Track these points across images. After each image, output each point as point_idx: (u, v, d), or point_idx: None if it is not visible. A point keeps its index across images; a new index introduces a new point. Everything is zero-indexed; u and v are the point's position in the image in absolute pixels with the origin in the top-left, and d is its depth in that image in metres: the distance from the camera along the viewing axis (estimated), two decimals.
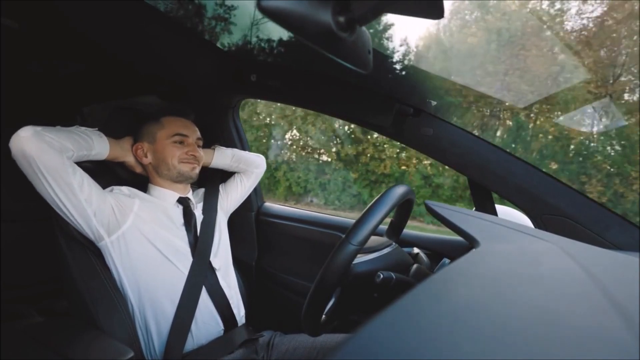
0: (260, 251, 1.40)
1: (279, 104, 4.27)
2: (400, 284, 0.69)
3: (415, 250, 0.94)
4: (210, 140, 1.13)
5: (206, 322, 0.92)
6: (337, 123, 4.74)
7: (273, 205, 1.43)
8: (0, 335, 0.76)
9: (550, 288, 0.33)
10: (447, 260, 0.89)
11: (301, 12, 0.30)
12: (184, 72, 1.10)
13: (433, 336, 0.24)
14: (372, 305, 0.76)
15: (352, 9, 0.32)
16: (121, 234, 0.87)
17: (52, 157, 0.74)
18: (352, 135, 4.73)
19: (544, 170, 0.86)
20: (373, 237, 0.79)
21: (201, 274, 0.93)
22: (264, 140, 5.14)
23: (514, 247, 0.46)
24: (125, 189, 0.95)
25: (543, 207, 0.85)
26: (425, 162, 4.43)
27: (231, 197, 1.17)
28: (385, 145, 4.60)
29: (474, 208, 0.99)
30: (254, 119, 5.11)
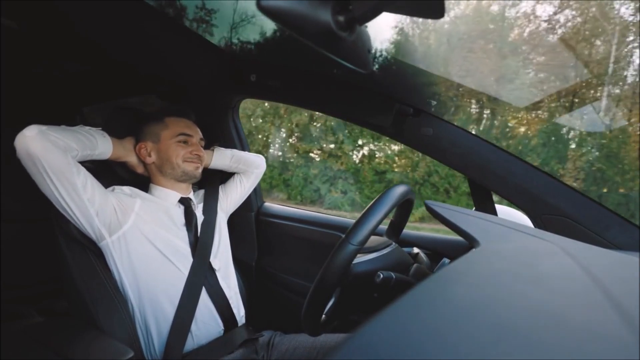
0: (260, 251, 1.40)
1: (249, 104, 4.51)
2: (400, 283, 0.69)
3: (415, 250, 0.94)
4: (210, 140, 1.13)
5: (206, 322, 0.92)
6: (297, 121, 5.09)
7: (273, 205, 1.43)
8: (0, 335, 0.76)
9: (550, 288, 0.32)
10: (447, 260, 0.89)
11: (301, 11, 0.30)
12: (184, 72, 1.10)
13: (433, 336, 0.24)
14: (372, 305, 0.76)
15: (352, 9, 0.32)
16: (122, 234, 0.87)
17: (56, 156, 0.74)
18: (312, 135, 5.16)
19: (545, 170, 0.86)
20: (373, 237, 0.79)
21: (201, 275, 0.93)
22: None
23: (514, 247, 0.46)
24: (126, 188, 0.95)
25: (543, 207, 0.85)
26: (378, 158, 4.87)
27: (231, 197, 1.17)
28: (342, 144, 4.99)
29: (474, 208, 0.99)
30: None
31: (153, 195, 0.99)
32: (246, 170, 1.19)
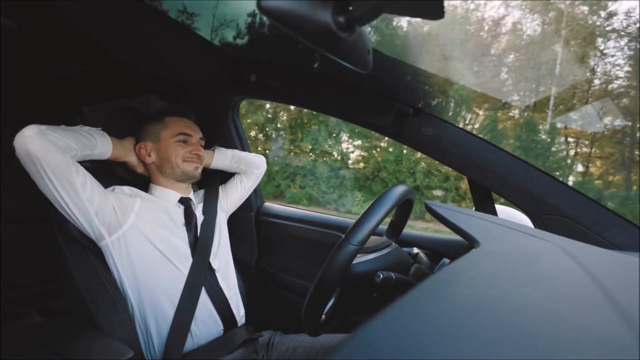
0: (260, 251, 1.40)
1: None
2: (400, 284, 0.69)
3: (415, 250, 0.94)
4: (210, 140, 1.13)
5: (206, 322, 0.92)
6: (254, 120, 5.47)
7: (273, 205, 1.43)
8: (0, 335, 0.76)
9: (550, 288, 0.33)
10: (447, 260, 0.89)
11: (301, 12, 0.30)
12: (184, 72, 1.10)
13: (433, 336, 0.24)
14: (372, 305, 0.76)
15: (352, 9, 0.32)
16: (122, 234, 0.87)
17: (56, 156, 0.74)
18: (271, 134, 5.57)
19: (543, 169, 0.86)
20: (373, 237, 0.79)
21: (201, 275, 0.93)
22: None
23: (514, 247, 0.46)
24: (126, 188, 0.95)
25: (543, 207, 0.85)
26: (335, 155, 5.32)
27: (231, 197, 1.17)
28: (301, 142, 5.40)
29: (474, 208, 0.99)
30: None
31: (153, 195, 0.99)
32: (247, 171, 1.19)
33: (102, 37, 0.90)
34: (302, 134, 5.47)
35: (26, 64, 1.24)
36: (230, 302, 0.97)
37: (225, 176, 1.19)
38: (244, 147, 1.32)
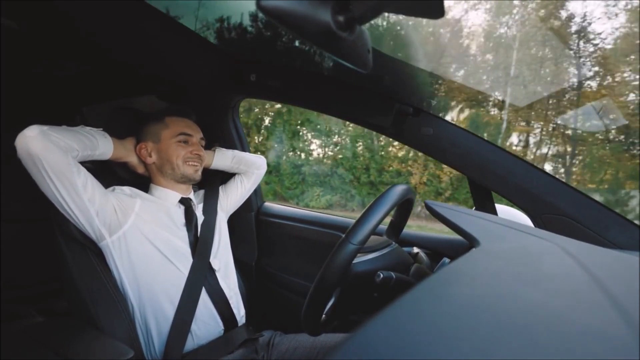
0: (260, 251, 1.40)
1: None
2: (400, 283, 0.69)
3: (415, 249, 0.94)
4: (210, 140, 1.13)
5: (206, 322, 0.92)
6: None
7: (273, 205, 1.43)
8: (0, 335, 0.76)
9: (550, 287, 0.33)
10: (447, 260, 0.89)
11: (301, 12, 0.30)
12: (184, 72, 1.10)
13: (433, 336, 0.24)
14: (372, 305, 0.76)
15: (351, 9, 0.32)
16: (122, 234, 0.87)
17: (57, 156, 0.74)
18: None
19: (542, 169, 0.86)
20: (373, 237, 0.79)
21: (201, 275, 0.93)
22: None
23: (514, 247, 0.46)
24: (126, 188, 0.95)
25: (543, 207, 0.85)
26: (298, 153, 5.68)
27: (231, 198, 1.17)
28: (267, 141, 5.79)
29: (474, 208, 0.99)
30: None
31: (153, 195, 0.99)
32: (247, 171, 1.19)
33: (102, 37, 0.90)
34: (268, 134, 5.90)
35: (26, 64, 1.24)
36: (230, 302, 0.97)
37: (225, 176, 1.19)
38: (244, 147, 1.32)
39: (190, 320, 0.88)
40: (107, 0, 0.78)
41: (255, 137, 5.92)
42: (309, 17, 0.30)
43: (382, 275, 0.68)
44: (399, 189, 0.68)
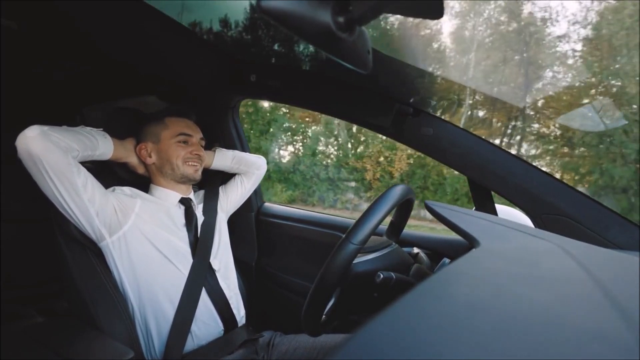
0: (260, 251, 1.40)
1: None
2: (400, 283, 0.69)
3: (415, 250, 0.94)
4: (210, 141, 1.13)
5: (206, 323, 0.92)
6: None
7: (273, 206, 1.43)
8: (0, 336, 0.76)
9: (550, 288, 0.33)
10: (447, 260, 0.89)
11: (301, 12, 0.30)
12: (184, 72, 1.10)
13: (433, 336, 0.24)
14: (372, 305, 0.76)
15: (351, 9, 0.32)
16: (122, 234, 0.87)
17: (57, 156, 0.74)
18: None
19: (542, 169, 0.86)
20: (373, 237, 0.79)
21: (201, 275, 0.93)
22: None
23: (514, 247, 0.46)
24: (126, 189, 0.95)
25: (543, 207, 0.85)
26: (263, 150, 5.76)
27: (231, 198, 1.17)
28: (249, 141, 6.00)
29: (474, 208, 0.99)
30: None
31: (153, 195, 0.99)
32: (247, 171, 1.19)
33: (102, 37, 0.90)
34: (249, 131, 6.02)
35: (26, 64, 1.24)
36: (230, 302, 0.97)
37: (225, 176, 1.19)
38: (244, 148, 1.32)
39: (190, 321, 0.88)
40: (107, 0, 0.78)
41: None
42: (309, 17, 0.30)
43: (382, 276, 0.68)
44: (399, 190, 0.68)
